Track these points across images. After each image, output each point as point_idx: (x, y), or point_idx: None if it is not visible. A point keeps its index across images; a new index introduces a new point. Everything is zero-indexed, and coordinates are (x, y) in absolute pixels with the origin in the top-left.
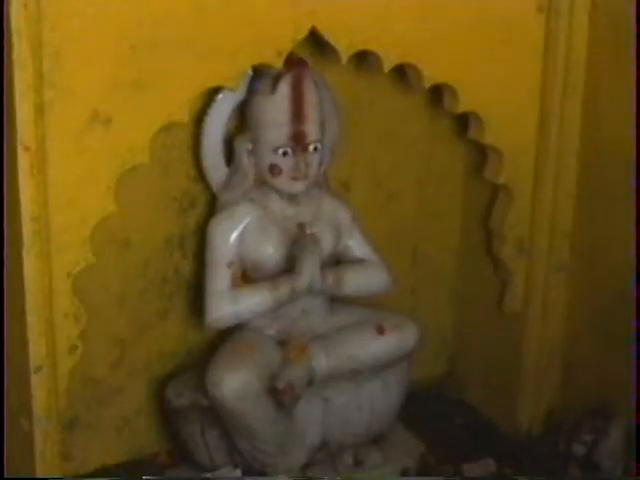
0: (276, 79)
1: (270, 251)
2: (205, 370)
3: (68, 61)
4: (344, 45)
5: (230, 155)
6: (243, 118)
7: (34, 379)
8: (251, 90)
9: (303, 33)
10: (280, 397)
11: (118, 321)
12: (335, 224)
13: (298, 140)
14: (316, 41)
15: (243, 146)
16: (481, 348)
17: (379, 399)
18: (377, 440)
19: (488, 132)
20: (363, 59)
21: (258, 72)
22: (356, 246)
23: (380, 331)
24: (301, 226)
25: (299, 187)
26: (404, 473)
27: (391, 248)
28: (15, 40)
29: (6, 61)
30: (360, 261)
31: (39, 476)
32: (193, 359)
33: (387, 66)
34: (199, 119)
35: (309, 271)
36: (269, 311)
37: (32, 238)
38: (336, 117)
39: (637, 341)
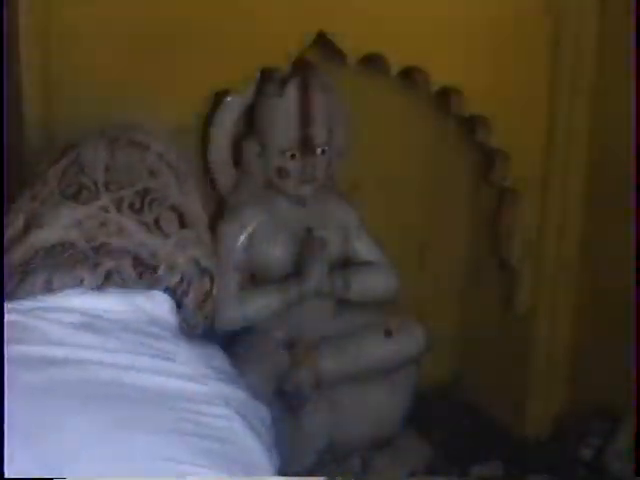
0: (284, 82)
1: (278, 254)
2: None
3: (76, 64)
4: (352, 48)
5: (238, 158)
6: (251, 121)
7: None
8: (259, 93)
9: (311, 36)
10: (287, 399)
11: None
12: (343, 227)
13: (306, 143)
14: (324, 44)
15: (251, 149)
16: (489, 351)
17: (386, 402)
18: (384, 443)
19: (495, 135)
20: (371, 62)
21: (266, 75)
22: (364, 248)
23: (388, 334)
24: (309, 229)
25: (307, 190)
26: (411, 476)
27: (398, 251)
28: (22, 41)
29: (12, 62)
30: (368, 263)
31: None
32: None
33: (394, 69)
34: (207, 122)
35: (317, 274)
36: (277, 314)
37: None
38: (343, 120)
39: (637, 342)
